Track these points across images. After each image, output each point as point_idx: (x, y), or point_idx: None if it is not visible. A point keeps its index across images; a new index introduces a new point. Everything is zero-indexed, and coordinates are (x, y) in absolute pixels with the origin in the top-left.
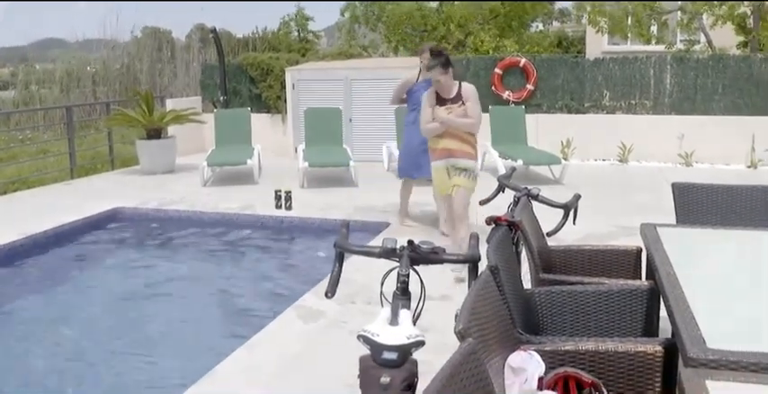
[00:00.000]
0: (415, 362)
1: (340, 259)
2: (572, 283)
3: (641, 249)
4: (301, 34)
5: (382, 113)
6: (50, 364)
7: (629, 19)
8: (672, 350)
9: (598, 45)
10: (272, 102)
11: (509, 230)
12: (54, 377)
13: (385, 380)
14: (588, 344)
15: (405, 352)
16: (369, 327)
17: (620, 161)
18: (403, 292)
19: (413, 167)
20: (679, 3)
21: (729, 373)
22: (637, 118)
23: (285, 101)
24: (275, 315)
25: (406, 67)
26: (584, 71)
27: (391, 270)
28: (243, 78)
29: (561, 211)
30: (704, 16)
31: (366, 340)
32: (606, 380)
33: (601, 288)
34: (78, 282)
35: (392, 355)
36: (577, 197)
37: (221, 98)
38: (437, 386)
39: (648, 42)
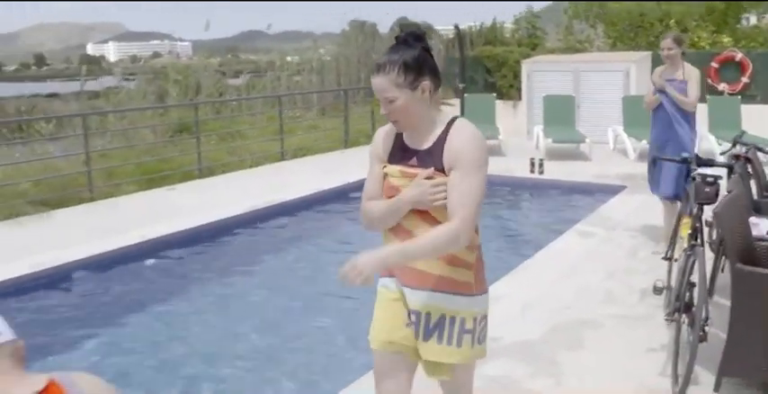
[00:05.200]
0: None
1: (654, 162)
2: None
3: None
4: (530, 31)
5: (607, 100)
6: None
7: None
8: None
9: None
10: (505, 90)
11: (745, 164)
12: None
13: (709, 191)
14: None
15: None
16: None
17: None
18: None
19: (651, 180)
20: None
21: None
22: None
23: (518, 89)
24: (556, 236)
25: (631, 61)
26: None
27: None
28: (479, 69)
29: None
30: None
31: (699, 174)
32: None
33: None
34: None
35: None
36: None
37: (460, 86)
38: (726, 200)
39: None
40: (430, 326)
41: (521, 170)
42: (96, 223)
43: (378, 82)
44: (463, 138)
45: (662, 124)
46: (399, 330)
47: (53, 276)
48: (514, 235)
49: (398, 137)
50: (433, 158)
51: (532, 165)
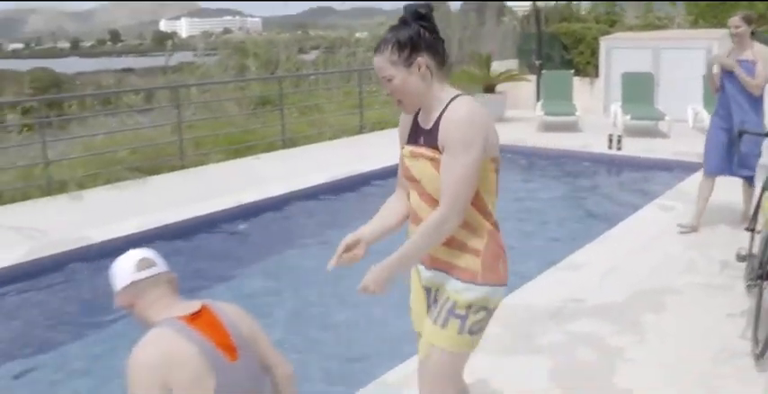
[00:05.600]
0: None
1: (739, 136)
2: None
3: None
4: (608, 8)
5: (687, 78)
6: None
7: None
8: None
9: None
10: (581, 67)
11: None
12: None
13: None
14: None
15: None
16: None
17: None
18: None
19: (719, 160)
20: None
21: None
22: None
23: (595, 66)
24: (634, 211)
25: (713, 38)
26: None
27: None
28: (556, 45)
29: None
30: None
31: None
32: None
33: None
34: None
35: None
36: None
37: (536, 62)
38: None
39: None
40: (431, 301)
41: (599, 146)
42: (190, 189)
43: (376, 62)
44: (454, 117)
45: (726, 106)
46: (419, 315)
47: (157, 235)
48: (593, 208)
49: (415, 117)
50: (432, 137)
51: (610, 141)
